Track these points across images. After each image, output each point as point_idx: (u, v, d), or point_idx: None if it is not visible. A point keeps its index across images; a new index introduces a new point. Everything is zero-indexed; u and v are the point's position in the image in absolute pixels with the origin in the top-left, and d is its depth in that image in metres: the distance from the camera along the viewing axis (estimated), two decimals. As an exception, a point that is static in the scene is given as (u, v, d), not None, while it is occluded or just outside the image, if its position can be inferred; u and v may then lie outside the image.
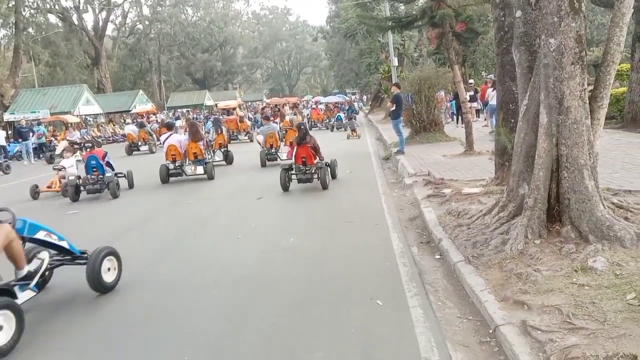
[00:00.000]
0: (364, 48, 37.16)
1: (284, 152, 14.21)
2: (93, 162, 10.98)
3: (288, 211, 8.23)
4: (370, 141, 19.64)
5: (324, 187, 9.79)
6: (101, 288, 4.86)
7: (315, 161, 10.08)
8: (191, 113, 46.52)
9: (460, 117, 19.82)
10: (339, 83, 73.84)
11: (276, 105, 38.31)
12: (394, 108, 13.77)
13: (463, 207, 6.53)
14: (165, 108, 53.61)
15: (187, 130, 12.89)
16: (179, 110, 52.81)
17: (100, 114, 39.14)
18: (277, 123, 19.86)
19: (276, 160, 14.19)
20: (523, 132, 5.29)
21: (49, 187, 11.39)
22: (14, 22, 42.34)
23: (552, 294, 3.76)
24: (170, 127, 13.90)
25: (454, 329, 3.70)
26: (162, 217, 8.60)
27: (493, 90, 16.87)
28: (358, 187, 9.87)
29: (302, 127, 10.90)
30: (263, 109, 34.45)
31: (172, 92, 65.33)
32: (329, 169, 10.26)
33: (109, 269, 4.97)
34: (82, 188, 10.82)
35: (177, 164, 12.26)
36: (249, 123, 25.68)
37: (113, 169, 11.17)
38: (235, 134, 23.46)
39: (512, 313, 3.58)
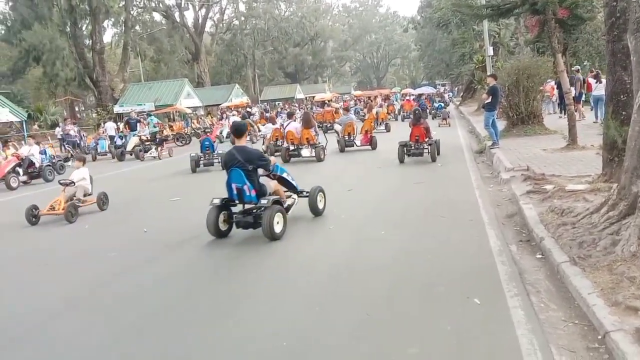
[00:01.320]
0: (457, 38, 36.03)
1: (358, 139, 16.17)
2: (207, 143, 14.84)
3: (378, 204, 8.18)
4: (462, 133, 19.08)
5: (433, 159, 12.00)
6: (316, 213, 7.44)
7: (426, 139, 12.35)
8: (285, 106, 47.65)
9: (563, 108, 19.11)
10: (428, 74, 72.25)
11: (368, 97, 39.01)
12: (489, 100, 13.21)
13: (567, 204, 6.15)
14: (259, 101, 55.31)
15: (302, 118, 15.33)
16: (264, 103, 54.24)
17: (200, 106, 41.15)
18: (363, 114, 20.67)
19: (353, 146, 16.00)
20: (638, 126, 4.89)
21: (52, 208, 8.81)
22: (123, 20, 45.56)
23: (671, 302, 3.46)
24: (290, 115, 16.32)
25: (558, 332, 3.51)
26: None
27: (597, 82, 15.90)
28: (451, 180, 9.63)
29: (417, 111, 13.49)
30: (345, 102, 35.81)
31: (265, 85, 67.29)
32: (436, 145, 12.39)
33: (320, 200, 7.52)
34: (200, 163, 14.38)
35: (295, 147, 14.58)
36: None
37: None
38: (331, 124, 24.36)
39: (624, 319, 3.33)
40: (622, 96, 6.96)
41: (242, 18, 66.94)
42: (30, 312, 4.65)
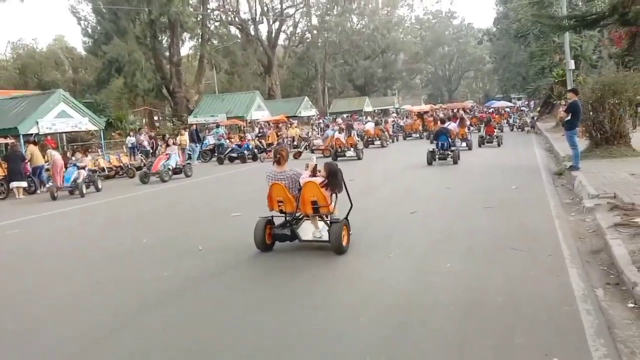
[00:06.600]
0: (535, 50, 34.56)
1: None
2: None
3: (444, 230, 7.57)
4: (539, 152, 17.96)
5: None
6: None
7: (494, 134, 22.07)
8: (351, 119, 47.50)
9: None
10: (503, 88, 69.74)
11: (452, 109, 40.82)
12: (568, 117, 12.23)
13: (664, 243, 5.39)
14: (328, 114, 55.56)
15: (458, 121, 21.44)
16: (333, 115, 54.20)
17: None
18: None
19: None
20: None
21: None
22: (200, 34, 47.32)
23: None
24: (443, 121, 21.15)
25: (660, 411, 2.92)
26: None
27: None
28: (526, 206, 8.86)
29: (488, 118, 23.43)
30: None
31: (335, 98, 67.55)
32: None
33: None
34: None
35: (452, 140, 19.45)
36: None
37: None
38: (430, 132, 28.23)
39: None
40: None
41: (315, 31, 67.70)
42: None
